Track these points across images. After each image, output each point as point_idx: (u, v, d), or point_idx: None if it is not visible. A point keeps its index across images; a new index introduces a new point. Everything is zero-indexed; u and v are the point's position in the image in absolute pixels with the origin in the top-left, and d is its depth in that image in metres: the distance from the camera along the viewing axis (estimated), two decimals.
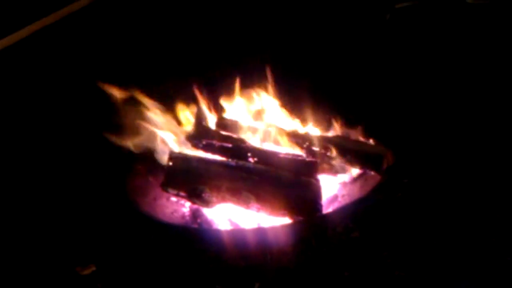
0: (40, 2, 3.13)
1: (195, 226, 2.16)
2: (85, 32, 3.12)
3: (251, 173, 2.11)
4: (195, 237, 2.03)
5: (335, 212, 2.09)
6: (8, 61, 2.86)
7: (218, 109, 2.52)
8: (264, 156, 2.22)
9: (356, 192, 2.19)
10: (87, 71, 2.95)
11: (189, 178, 2.14)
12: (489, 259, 1.79)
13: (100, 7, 3.25)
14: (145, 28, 3.30)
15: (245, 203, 2.07)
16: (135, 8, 3.43)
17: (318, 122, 2.48)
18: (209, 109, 2.50)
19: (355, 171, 2.28)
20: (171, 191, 2.19)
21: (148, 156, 2.36)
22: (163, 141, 2.36)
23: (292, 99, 2.56)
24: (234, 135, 2.37)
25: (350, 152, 2.24)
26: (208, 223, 2.16)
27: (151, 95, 2.40)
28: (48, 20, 3.03)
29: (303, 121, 2.49)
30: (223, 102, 2.53)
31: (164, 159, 2.28)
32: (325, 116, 2.48)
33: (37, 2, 3.13)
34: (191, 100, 2.50)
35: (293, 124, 2.48)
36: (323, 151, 2.26)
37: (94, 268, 1.93)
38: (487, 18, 3.04)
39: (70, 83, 2.90)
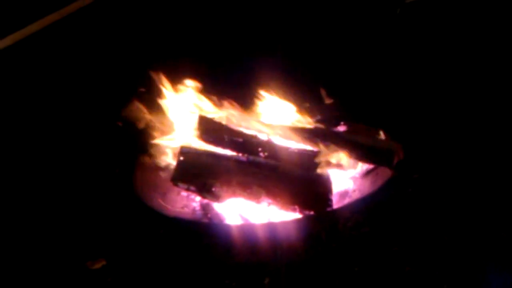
0: (41, 1, 3.14)
1: (206, 220, 2.16)
2: (88, 30, 3.13)
3: (262, 167, 2.11)
4: (205, 232, 2.03)
5: (345, 207, 2.08)
6: (13, 59, 2.87)
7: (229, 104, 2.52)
8: (274, 151, 2.22)
9: (366, 187, 2.19)
10: (93, 65, 2.96)
11: (199, 172, 2.14)
12: (501, 255, 1.78)
13: (102, 6, 3.25)
14: (150, 22, 3.30)
15: (256, 197, 2.07)
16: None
17: (329, 117, 2.47)
18: (220, 103, 2.50)
19: (366, 166, 2.27)
20: (182, 185, 2.19)
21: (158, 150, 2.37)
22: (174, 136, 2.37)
23: (303, 94, 2.56)
24: (245, 130, 2.36)
25: (362, 147, 2.23)
26: (218, 217, 2.15)
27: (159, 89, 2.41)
28: (49, 19, 3.04)
29: (314, 116, 2.48)
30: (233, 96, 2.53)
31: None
32: (336, 111, 2.48)
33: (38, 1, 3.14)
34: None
35: (304, 119, 2.47)
36: (334, 146, 2.25)
37: (104, 262, 1.94)
38: (497, 12, 3.02)
39: (76, 78, 2.91)
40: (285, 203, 2.05)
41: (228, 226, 2.10)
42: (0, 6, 2.91)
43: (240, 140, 2.28)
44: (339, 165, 2.24)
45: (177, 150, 2.24)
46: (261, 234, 1.96)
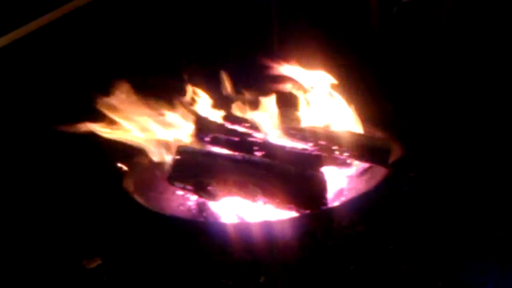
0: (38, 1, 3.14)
1: (201, 219, 2.16)
2: (84, 30, 3.13)
3: (258, 166, 2.11)
4: (201, 231, 2.03)
5: (341, 205, 2.09)
6: (8, 59, 2.87)
7: (224, 103, 2.52)
8: (270, 150, 2.22)
9: (362, 186, 2.19)
10: (86, 66, 2.96)
11: (195, 171, 2.14)
12: (495, 253, 1.79)
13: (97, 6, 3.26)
14: (145, 23, 3.30)
15: (251, 196, 2.07)
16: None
17: (325, 116, 2.48)
18: (216, 103, 2.50)
19: (361, 164, 2.27)
20: (178, 184, 2.19)
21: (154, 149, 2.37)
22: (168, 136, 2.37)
23: (300, 92, 2.56)
24: (241, 129, 2.37)
25: (357, 146, 2.24)
26: (214, 216, 2.16)
27: (155, 89, 2.41)
28: (45, 19, 3.04)
29: (310, 114, 2.48)
30: (230, 95, 2.53)
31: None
32: (333, 109, 2.48)
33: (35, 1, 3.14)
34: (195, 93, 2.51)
35: (300, 117, 2.47)
36: (329, 145, 2.26)
37: (100, 262, 1.94)
38: (493, 12, 3.03)
39: (72, 77, 2.91)
40: (281, 202, 2.05)
41: (224, 225, 2.10)
42: None
43: (236, 139, 2.28)
44: (334, 164, 2.25)
45: (173, 149, 2.24)
46: (256, 232, 1.97)
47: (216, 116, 2.47)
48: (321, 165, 2.17)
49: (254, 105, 2.49)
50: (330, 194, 2.10)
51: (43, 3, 3.01)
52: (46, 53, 3.02)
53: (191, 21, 3.31)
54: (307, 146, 2.29)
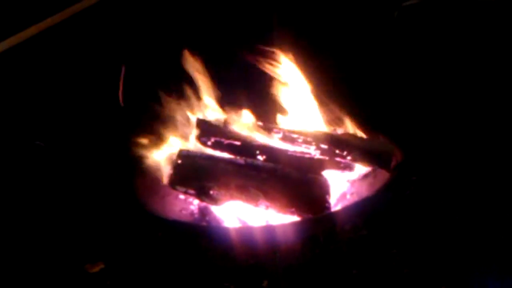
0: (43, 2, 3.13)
1: (204, 223, 2.16)
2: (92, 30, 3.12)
3: (260, 170, 2.11)
4: (204, 235, 2.03)
5: (343, 209, 2.08)
6: (15, 60, 2.86)
7: (226, 107, 2.52)
8: (272, 154, 2.22)
9: (364, 190, 2.19)
10: (95, 69, 2.96)
11: (197, 175, 2.14)
12: (498, 257, 1.78)
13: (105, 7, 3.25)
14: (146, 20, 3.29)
15: (254, 200, 2.07)
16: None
17: (327, 120, 2.47)
18: (218, 106, 2.50)
19: (364, 168, 2.27)
20: (180, 188, 2.19)
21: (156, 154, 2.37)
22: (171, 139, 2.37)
23: (301, 96, 2.55)
24: (243, 133, 2.36)
25: (359, 150, 2.23)
26: (216, 220, 2.16)
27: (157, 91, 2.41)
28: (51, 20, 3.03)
29: (312, 118, 2.48)
30: (231, 99, 2.53)
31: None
32: (334, 113, 2.48)
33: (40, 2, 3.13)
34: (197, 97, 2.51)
35: (302, 121, 2.47)
36: (332, 148, 2.25)
37: (102, 266, 1.94)
38: (495, 15, 3.03)
39: (76, 82, 2.91)
40: (283, 206, 2.05)
41: (226, 229, 2.10)
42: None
43: (238, 143, 2.28)
44: (337, 168, 2.25)
45: (175, 153, 2.24)
46: (259, 236, 1.97)
47: (218, 119, 2.47)
48: (323, 169, 2.17)
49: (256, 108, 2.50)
50: (332, 198, 2.10)
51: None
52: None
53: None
54: (309, 150, 2.28)
